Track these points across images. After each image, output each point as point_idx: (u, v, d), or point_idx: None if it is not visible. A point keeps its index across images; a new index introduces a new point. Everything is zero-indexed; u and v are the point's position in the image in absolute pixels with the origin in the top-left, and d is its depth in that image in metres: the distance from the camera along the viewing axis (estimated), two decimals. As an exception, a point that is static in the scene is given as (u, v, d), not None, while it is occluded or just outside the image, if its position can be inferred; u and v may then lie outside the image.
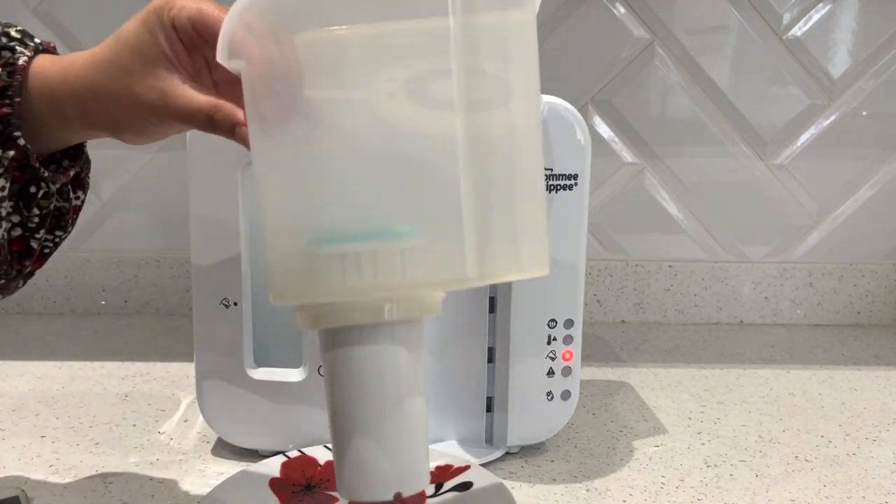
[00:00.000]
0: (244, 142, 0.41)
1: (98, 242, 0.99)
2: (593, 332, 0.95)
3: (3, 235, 0.44)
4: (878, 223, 1.01)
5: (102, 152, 0.97)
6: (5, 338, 0.90)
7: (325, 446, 0.58)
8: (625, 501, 0.55)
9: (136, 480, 0.58)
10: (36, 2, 0.93)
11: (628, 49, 0.95)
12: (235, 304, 0.59)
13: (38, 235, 0.46)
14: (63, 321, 0.97)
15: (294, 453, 0.57)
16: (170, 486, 0.57)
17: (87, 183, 0.50)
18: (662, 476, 0.59)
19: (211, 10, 0.42)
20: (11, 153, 0.42)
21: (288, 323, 0.63)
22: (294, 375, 0.60)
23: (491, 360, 0.62)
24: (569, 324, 0.60)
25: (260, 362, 0.61)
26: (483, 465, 0.58)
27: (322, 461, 0.56)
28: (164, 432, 0.66)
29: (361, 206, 0.37)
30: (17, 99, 0.43)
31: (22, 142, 0.43)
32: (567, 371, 0.61)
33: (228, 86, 0.44)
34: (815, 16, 0.95)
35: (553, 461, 0.61)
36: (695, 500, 0.55)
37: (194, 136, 0.57)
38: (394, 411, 0.40)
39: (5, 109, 0.42)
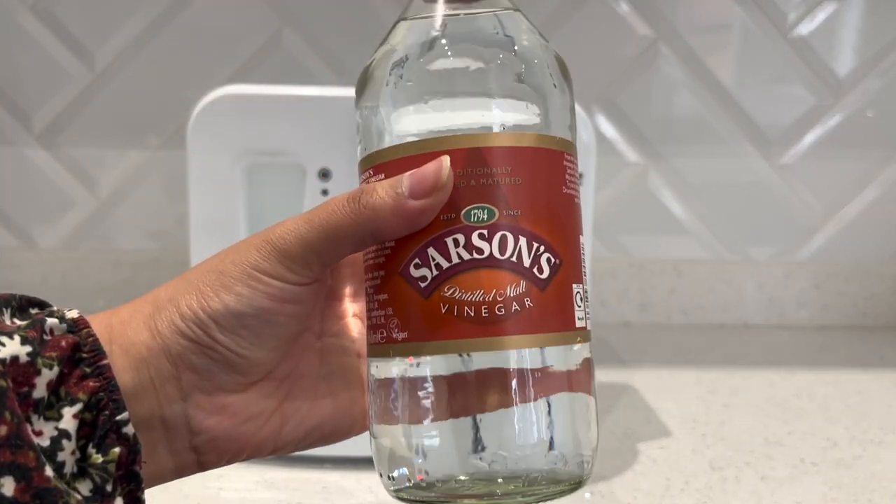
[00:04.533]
0: None
1: (95, 242, 0.98)
2: (597, 334, 0.95)
3: None
4: (885, 224, 1.00)
5: (101, 150, 0.96)
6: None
7: None
8: (629, 505, 0.54)
9: (134, 483, 0.57)
10: (34, 0, 0.92)
11: (632, 48, 0.95)
12: (235, 304, 0.58)
13: None
14: (62, 321, 0.96)
15: None
16: (170, 486, 0.57)
17: None
18: (667, 479, 0.58)
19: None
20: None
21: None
22: (294, 377, 0.59)
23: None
24: (572, 325, 0.59)
25: (259, 363, 0.60)
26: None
27: None
28: (163, 434, 0.65)
29: None
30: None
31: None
32: (570, 373, 0.60)
33: None
34: (821, 14, 0.94)
35: (556, 464, 0.61)
36: (700, 503, 0.55)
37: (194, 135, 0.57)
38: None
39: None
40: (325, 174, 0.57)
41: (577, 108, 0.57)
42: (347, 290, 0.38)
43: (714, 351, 0.90)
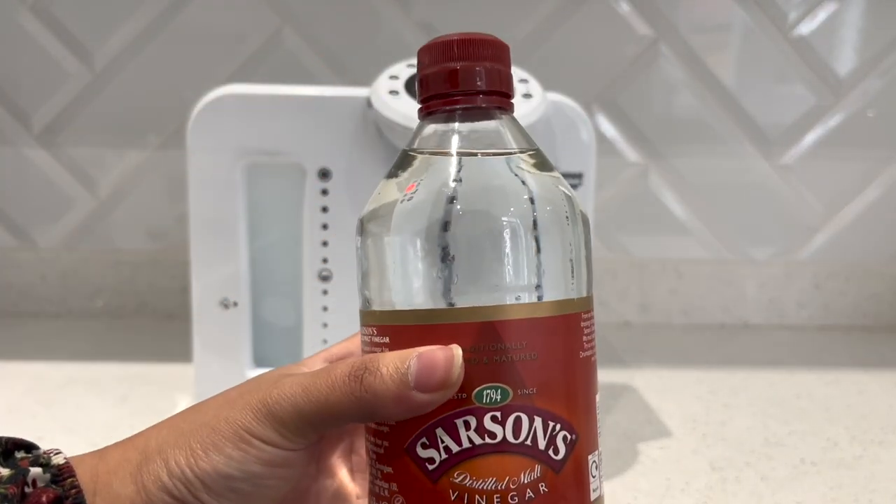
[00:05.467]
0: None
1: (94, 242, 0.98)
2: (597, 334, 0.94)
3: None
4: (885, 224, 1.00)
5: (101, 150, 0.96)
6: (1, 339, 0.89)
7: None
8: (629, 505, 0.54)
9: (134, 483, 0.57)
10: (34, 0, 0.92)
11: (633, 47, 0.94)
12: (235, 304, 0.58)
13: None
14: (59, 322, 0.96)
15: None
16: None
17: None
18: (667, 479, 0.58)
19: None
20: None
21: (288, 323, 0.62)
22: (294, 377, 0.59)
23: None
24: (572, 325, 0.59)
25: (259, 363, 0.60)
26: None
27: None
28: (163, 434, 0.65)
29: None
30: None
31: None
32: (571, 373, 0.60)
33: None
34: (821, 14, 0.94)
35: (556, 464, 0.60)
36: (700, 503, 0.55)
37: (194, 135, 0.57)
38: None
39: None
40: (324, 174, 0.56)
41: (577, 107, 0.58)
42: (345, 428, 0.36)
43: (714, 351, 0.90)
